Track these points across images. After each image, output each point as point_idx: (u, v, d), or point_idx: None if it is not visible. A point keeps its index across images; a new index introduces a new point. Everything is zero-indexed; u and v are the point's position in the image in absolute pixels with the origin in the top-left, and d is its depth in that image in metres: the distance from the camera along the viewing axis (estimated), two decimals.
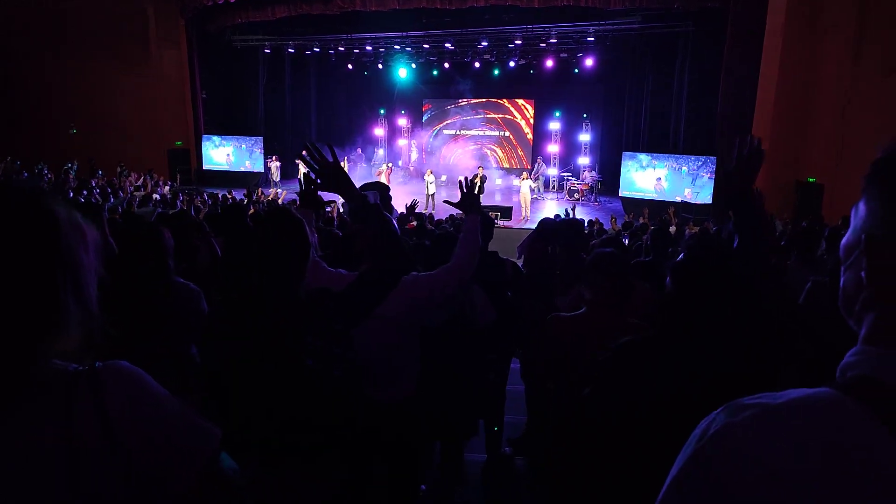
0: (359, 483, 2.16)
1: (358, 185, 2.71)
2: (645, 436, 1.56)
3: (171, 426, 1.00)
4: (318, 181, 2.06)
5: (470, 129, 24.74)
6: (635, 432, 1.59)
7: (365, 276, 1.94)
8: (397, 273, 2.04)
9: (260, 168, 20.86)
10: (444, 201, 4.03)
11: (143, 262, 2.53)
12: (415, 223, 8.03)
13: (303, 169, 14.86)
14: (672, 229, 10.24)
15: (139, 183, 16.15)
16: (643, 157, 17.38)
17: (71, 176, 15.57)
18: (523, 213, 16.74)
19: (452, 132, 24.82)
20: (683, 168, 16.46)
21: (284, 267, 1.80)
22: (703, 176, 16.11)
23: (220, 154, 21.20)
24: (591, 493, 1.77)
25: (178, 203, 11.73)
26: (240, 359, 1.71)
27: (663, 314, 1.74)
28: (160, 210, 8.42)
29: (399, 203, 17.50)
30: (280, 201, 13.07)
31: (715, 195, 15.24)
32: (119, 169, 17.07)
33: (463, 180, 2.62)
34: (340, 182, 2.06)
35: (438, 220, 10.80)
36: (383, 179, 17.73)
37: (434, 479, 3.33)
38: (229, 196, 13.75)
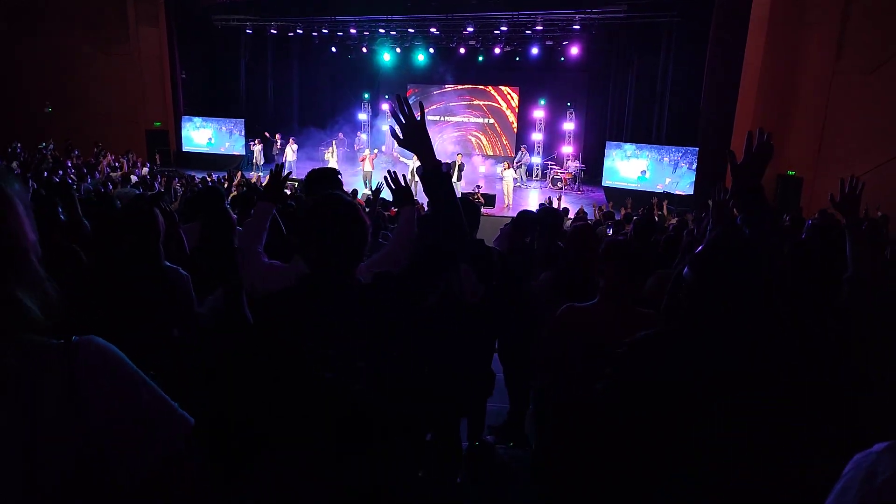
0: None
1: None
2: (660, 433, 1.52)
3: (138, 404, 0.99)
4: (401, 136, 2.00)
5: (454, 116, 24.62)
6: (650, 429, 1.54)
7: (426, 255, 1.91)
8: (450, 250, 2.01)
9: (240, 151, 20.59)
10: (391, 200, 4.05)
11: (134, 245, 2.49)
12: (395, 210, 7.98)
13: (291, 157, 14.66)
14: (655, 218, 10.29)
15: (116, 164, 15.87)
16: (627, 147, 17.45)
17: (47, 155, 15.25)
18: (506, 202, 16.75)
19: (436, 118, 24.68)
20: (665, 158, 16.57)
21: (348, 253, 1.81)
22: (682, 166, 16.23)
23: (200, 135, 20.87)
24: (595, 492, 1.75)
25: (157, 185, 11.54)
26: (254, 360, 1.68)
27: (681, 308, 1.67)
28: (138, 192, 8.27)
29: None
30: (261, 185, 12.91)
31: (696, 186, 15.37)
32: (96, 149, 16.75)
33: (387, 176, 2.74)
34: (423, 142, 1.98)
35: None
36: (367, 165, 17.62)
37: (430, 463, 3.31)
38: (209, 179, 13.56)
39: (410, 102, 2.03)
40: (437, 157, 2.01)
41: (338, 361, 1.68)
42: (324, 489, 1.72)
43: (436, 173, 1.97)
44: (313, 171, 3.12)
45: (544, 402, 3.06)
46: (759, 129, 1.96)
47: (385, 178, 2.73)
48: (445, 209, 1.98)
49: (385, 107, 23.68)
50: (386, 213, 7.59)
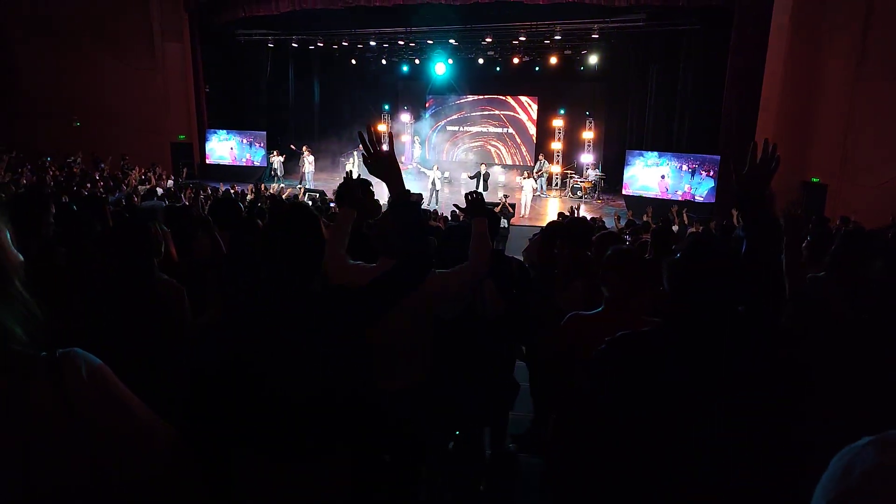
0: (368, 473, 2.18)
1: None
2: (643, 433, 1.57)
3: (129, 414, 1.04)
4: (369, 163, 2.12)
5: (473, 126, 24.72)
6: (633, 429, 1.59)
7: (393, 272, 1.97)
8: (424, 269, 2.08)
9: (262, 163, 20.85)
10: (455, 206, 4.10)
11: (127, 260, 2.56)
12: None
13: (308, 168, 14.78)
14: (675, 228, 10.25)
15: (143, 177, 16.16)
16: (648, 155, 17.36)
17: (75, 169, 15.58)
18: (522, 212, 16.76)
19: (455, 128, 24.78)
20: (685, 166, 16.46)
21: (301, 263, 1.83)
22: (702, 174, 16.11)
23: (223, 148, 21.18)
24: (591, 492, 1.79)
25: (182, 197, 11.74)
26: (248, 360, 1.73)
27: (662, 310, 1.75)
28: (165, 204, 8.43)
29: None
30: (284, 196, 13.07)
31: (717, 193, 15.23)
32: (122, 162, 17.07)
33: (468, 194, 2.81)
34: (390, 171, 2.11)
35: (444, 216, 10.79)
36: None
37: (451, 471, 3.34)
38: (232, 190, 13.76)
39: (384, 133, 2.14)
40: (405, 186, 2.14)
41: (283, 372, 1.73)
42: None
43: (400, 201, 2.11)
44: (344, 181, 3.18)
45: (548, 409, 3.09)
46: (764, 139, 1.97)
47: (465, 196, 2.85)
48: (413, 231, 2.11)
49: (404, 117, 23.84)
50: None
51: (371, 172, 2.17)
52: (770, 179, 1.93)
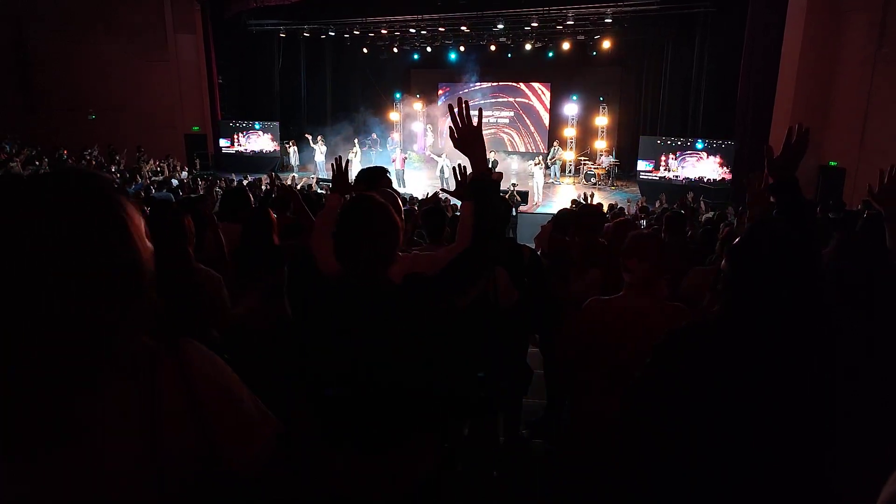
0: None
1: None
2: (697, 428, 1.47)
3: (241, 402, 1.06)
4: (457, 137, 2.06)
5: (485, 113, 24.56)
6: (687, 424, 1.49)
7: (464, 256, 1.96)
8: (489, 255, 2.06)
9: (275, 153, 20.94)
10: (442, 189, 4.07)
11: (166, 248, 2.58)
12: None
13: (319, 157, 14.77)
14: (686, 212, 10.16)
15: (158, 168, 16.31)
16: (662, 140, 17.21)
17: (91, 161, 15.75)
18: (535, 199, 16.72)
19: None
20: (702, 151, 16.30)
21: (383, 249, 1.83)
22: (714, 157, 15.95)
23: (236, 139, 21.29)
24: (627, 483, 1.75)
25: (199, 188, 11.83)
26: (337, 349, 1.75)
27: (721, 299, 1.63)
28: (179, 195, 8.51)
29: (413, 187, 17.43)
30: (297, 187, 13.13)
31: (734, 178, 15.08)
32: (137, 154, 17.23)
33: (456, 168, 2.62)
34: (476, 147, 2.05)
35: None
36: (398, 164, 17.75)
37: (465, 458, 3.37)
38: (246, 181, 13.85)
39: (471, 107, 2.10)
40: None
41: (355, 363, 1.75)
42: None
43: (484, 179, 2.04)
44: (363, 170, 3.18)
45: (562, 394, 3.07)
46: (798, 123, 1.97)
47: (454, 168, 2.70)
48: (487, 216, 2.02)
49: (416, 105, 23.75)
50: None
51: (456, 146, 2.09)
52: (800, 161, 1.94)
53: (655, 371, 1.59)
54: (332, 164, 2.76)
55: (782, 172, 1.96)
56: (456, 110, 2.06)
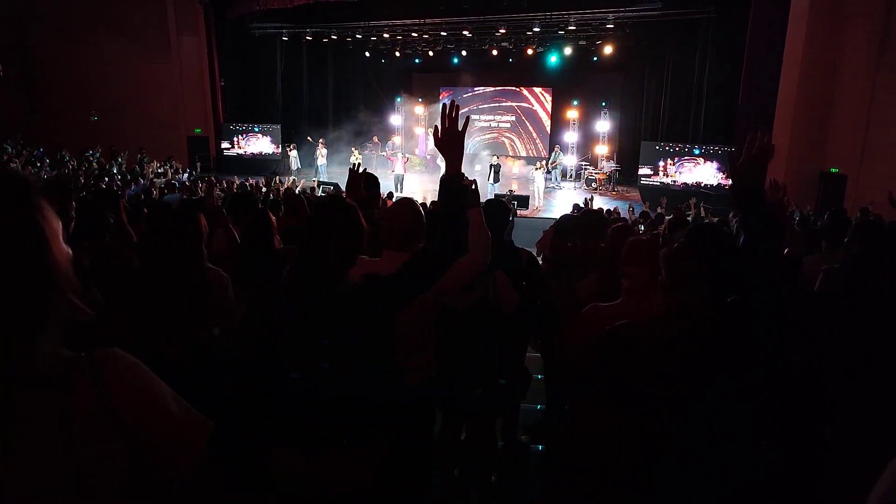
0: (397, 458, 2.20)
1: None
2: (645, 422, 1.59)
3: (168, 410, 1.03)
4: (439, 136, 2.10)
5: (487, 117, 24.62)
6: (635, 418, 1.62)
7: (427, 255, 1.98)
8: (451, 257, 2.08)
9: (277, 155, 20.96)
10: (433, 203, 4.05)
11: (179, 247, 2.60)
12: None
13: (321, 161, 14.80)
14: (689, 218, 10.16)
15: (160, 169, 16.31)
16: (661, 146, 17.22)
17: (94, 162, 15.76)
18: (536, 203, 16.73)
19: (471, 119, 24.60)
20: (702, 157, 16.31)
21: (348, 248, 1.88)
22: (713, 163, 15.97)
23: (238, 141, 21.32)
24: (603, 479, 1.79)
25: (199, 190, 11.85)
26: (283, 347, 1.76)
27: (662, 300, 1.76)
28: (183, 197, 8.52)
29: (412, 191, 17.41)
30: (298, 189, 13.13)
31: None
32: (140, 156, 17.24)
33: (444, 107, 2.19)
34: (455, 150, 2.09)
35: None
36: (399, 168, 17.76)
37: (463, 461, 3.35)
38: (248, 183, 13.86)
39: (460, 113, 2.12)
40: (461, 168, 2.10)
41: (306, 362, 1.77)
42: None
43: (454, 181, 2.08)
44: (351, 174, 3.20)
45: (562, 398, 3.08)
46: (759, 131, 1.97)
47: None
48: (451, 219, 2.08)
49: (417, 109, 23.77)
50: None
51: (436, 145, 2.14)
52: (763, 170, 1.94)
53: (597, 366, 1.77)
54: (349, 170, 2.86)
55: (745, 179, 1.95)
56: (447, 109, 2.10)
